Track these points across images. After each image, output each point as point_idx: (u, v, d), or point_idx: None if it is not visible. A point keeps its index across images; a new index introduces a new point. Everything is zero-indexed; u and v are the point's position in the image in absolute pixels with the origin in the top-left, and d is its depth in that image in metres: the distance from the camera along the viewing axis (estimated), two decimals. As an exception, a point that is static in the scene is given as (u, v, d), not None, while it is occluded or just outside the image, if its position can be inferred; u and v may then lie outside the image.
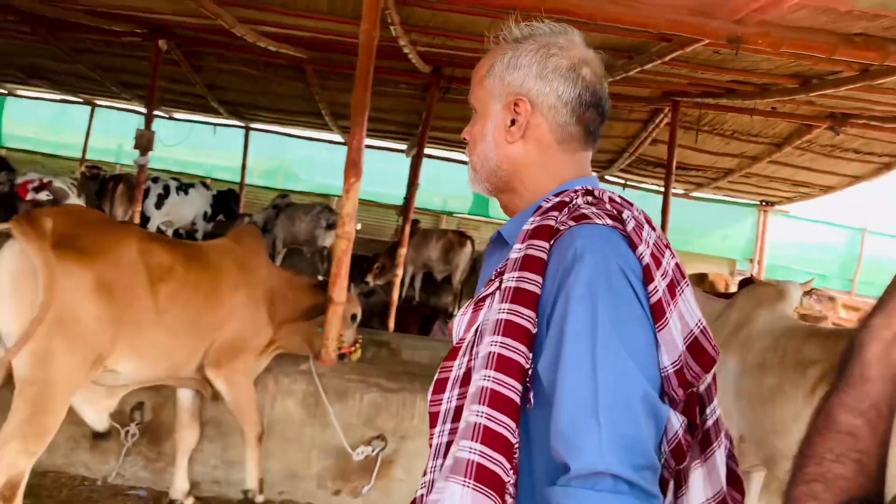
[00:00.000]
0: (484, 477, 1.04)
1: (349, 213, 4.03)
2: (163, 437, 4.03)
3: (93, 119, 12.73)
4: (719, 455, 1.17)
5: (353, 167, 4.03)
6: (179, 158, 12.97)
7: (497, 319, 1.10)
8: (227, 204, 10.66)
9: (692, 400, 1.14)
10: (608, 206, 1.17)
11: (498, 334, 1.08)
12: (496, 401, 1.06)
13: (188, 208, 10.11)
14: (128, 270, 3.11)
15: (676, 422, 1.09)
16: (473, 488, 1.03)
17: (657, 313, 1.09)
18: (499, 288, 1.14)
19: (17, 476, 2.89)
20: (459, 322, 1.20)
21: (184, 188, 10.08)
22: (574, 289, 1.07)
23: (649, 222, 1.20)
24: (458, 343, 1.18)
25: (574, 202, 1.18)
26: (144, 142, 7.70)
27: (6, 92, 12.75)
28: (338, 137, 12.24)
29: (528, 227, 1.17)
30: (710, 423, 1.18)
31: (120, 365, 3.16)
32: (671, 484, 1.13)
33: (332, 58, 7.55)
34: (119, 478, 4.03)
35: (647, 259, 1.11)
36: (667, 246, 1.19)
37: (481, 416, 1.06)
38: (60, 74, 10.48)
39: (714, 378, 1.21)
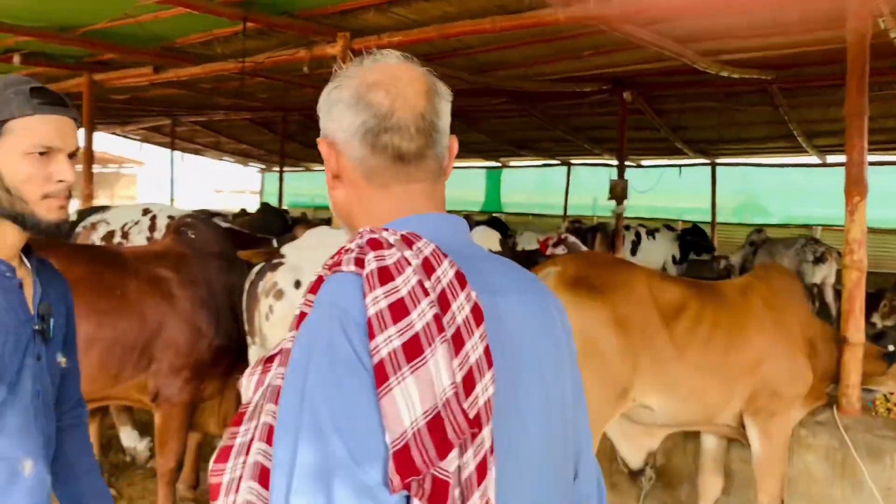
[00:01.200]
0: None
1: (857, 239, 3.42)
2: (675, 483, 3.89)
3: (569, 178, 13.74)
4: None
5: (855, 184, 3.43)
6: (648, 205, 13.14)
7: (274, 385, 0.93)
8: (695, 244, 10.34)
9: (438, 489, 0.82)
10: (366, 247, 0.92)
11: (272, 402, 0.92)
12: (263, 476, 0.90)
13: (657, 253, 10.09)
14: (640, 306, 3.16)
15: None
16: None
17: (379, 376, 0.82)
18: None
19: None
20: (248, 383, 0.99)
21: (651, 233, 10.12)
22: (293, 351, 0.89)
23: (437, 258, 0.92)
24: (243, 407, 0.98)
25: (348, 247, 0.95)
26: (619, 191, 7.95)
27: (501, 165, 14.63)
28: (813, 159, 10.99)
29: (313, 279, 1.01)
30: None
31: (649, 400, 3.18)
32: None
33: (801, 73, 6.79)
34: (640, 521, 4.01)
35: (373, 310, 0.85)
36: (461, 290, 0.90)
37: (252, 493, 0.91)
38: (541, 142, 11.60)
39: (491, 450, 0.86)
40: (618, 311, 3.10)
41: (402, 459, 0.81)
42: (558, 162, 13.68)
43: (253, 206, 15.84)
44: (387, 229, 0.96)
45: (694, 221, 11.83)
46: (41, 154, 1.37)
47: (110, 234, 4.00)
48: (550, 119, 9.78)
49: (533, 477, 0.97)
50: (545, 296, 1.09)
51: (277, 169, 12.94)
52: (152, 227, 3.93)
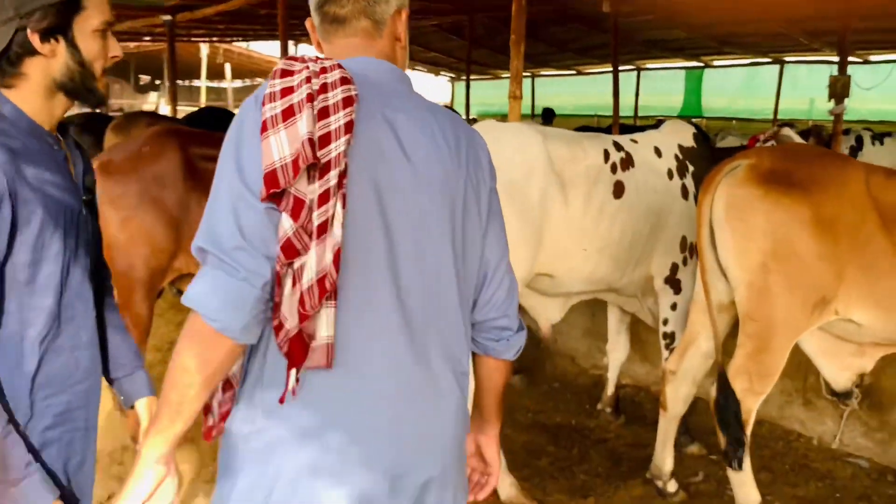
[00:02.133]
0: None
1: None
2: (885, 405, 3.47)
3: (782, 78, 12.31)
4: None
5: None
6: (875, 108, 11.50)
7: None
8: (929, 151, 8.87)
9: (297, 204, 1.19)
10: (286, 61, 1.29)
11: None
12: None
13: (884, 161, 8.74)
14: (852, 206, 2.72)
15: (286, 223, 1.18)
16: None
17: (262, 129, 1.20)
18: None
19: (745, 414, 2.87)
20: None
21: (878, 138, 8.82)
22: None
23: (333, 69, 1.26)
24: None
25: None
26: (839, 88, 6.97)
27: (703, 64, 13.43)
28: None
29: None
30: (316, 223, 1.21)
31: (854, 314, 2.79)
32: (288, 275, 1.20)
33: None
34: (837, 442, 3.66)
35: (268, 90, 1.23)
36: (340, 86, 1.24)
37: None
38: (748, 36, 10.41)
39: (338, 186, 1.21)
40: (821, 210, 2.69)
41: (270, 178, 1.17)
42: (769, 60, 12.28)
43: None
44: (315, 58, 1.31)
45: (933, 124, 10.21)
46: (102, 31, 1.46)
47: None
48: (761, 9, 8.69)
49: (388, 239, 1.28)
50: (451, 124, 1.37)
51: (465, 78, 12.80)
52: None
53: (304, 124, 1.19)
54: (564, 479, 3.60)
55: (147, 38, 13.78)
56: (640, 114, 13.74)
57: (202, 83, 19.15)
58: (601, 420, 4.28)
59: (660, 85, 14.30)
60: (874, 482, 3.50)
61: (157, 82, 23.09)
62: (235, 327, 1.18)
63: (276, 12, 7.19)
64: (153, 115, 7.56)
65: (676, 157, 3.73)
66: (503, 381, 1.54)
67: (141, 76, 23.40)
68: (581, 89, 15.64)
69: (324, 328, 1.22)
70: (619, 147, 3.59)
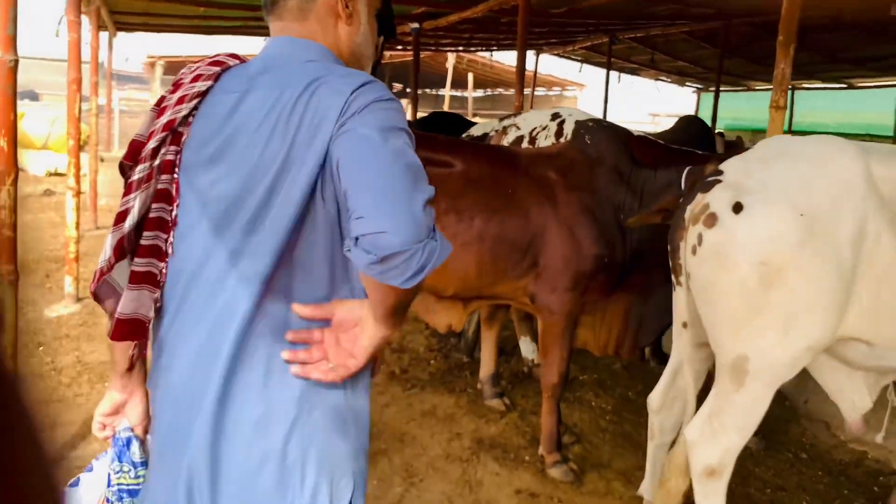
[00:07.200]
0: None
1: None
2: None
3: None
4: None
5: None
6: None
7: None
8: None
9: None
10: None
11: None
12: None
13: None
14: None
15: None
16: None
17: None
18: None
19: None
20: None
21: None
22: None
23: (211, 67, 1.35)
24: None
25: None
26: None
27: None
28: None
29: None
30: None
31: None
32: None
33: None
34: None
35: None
36: (193, 82, 1.33)
37: None
38: None
39: (142, 181, 1.30)
40: None
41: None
42: None
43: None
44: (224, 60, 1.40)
45: None
46: None
47: (519, 139, 3.77)
48: None
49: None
50: (297, 87, 1.22)
51: (714, 89, 11.66)
52: (559, 133, 3.58)
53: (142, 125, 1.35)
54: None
55: (399, 48, 14.37)
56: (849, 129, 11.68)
57: (447, 92, 19.72)
58: (860, 512, 3.37)
59: (868, 103, 12.11)
60: None
61: (408, 90, 24.32)
62: None
63: (516, 20, 6.91)
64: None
65: None
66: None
67: (394, 84, 24.78)
68: (851, 105, 13.59)
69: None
70: None
